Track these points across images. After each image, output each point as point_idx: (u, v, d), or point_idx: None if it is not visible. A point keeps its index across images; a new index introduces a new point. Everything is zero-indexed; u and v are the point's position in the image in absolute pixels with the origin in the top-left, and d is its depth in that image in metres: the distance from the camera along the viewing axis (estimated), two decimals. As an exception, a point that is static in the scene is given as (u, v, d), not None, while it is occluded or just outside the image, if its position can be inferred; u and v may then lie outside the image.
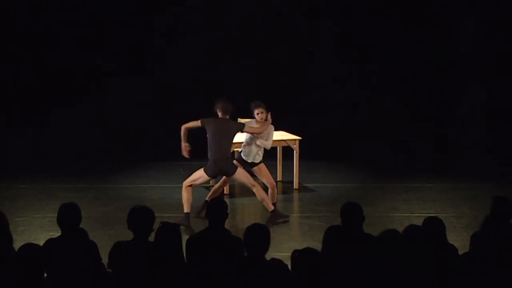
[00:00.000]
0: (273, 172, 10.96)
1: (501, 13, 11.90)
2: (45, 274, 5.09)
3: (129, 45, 12.19)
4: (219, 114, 8.63)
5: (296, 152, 10.27)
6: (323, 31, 12.23)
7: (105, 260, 5.48)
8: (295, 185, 10.34)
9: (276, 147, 10.64)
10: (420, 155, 12.08)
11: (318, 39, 12.24)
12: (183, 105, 11.76)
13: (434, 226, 5.31)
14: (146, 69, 12.29)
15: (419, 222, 5.55)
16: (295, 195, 10.18)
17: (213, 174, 8.68)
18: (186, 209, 8.50)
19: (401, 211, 9.23)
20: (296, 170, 10.30)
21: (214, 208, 5.65)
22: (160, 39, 12.25)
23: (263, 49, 12.13)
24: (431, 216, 5.44)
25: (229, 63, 12.04)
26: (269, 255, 5.14)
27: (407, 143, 12.16)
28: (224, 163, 8.54)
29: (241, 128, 8.64)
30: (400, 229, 5.37)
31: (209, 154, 8.55)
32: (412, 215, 8.92)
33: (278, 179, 10.79)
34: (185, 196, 8.53)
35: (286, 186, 10.51)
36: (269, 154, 10.94)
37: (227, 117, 8.64)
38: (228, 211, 5.75)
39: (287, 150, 10.47)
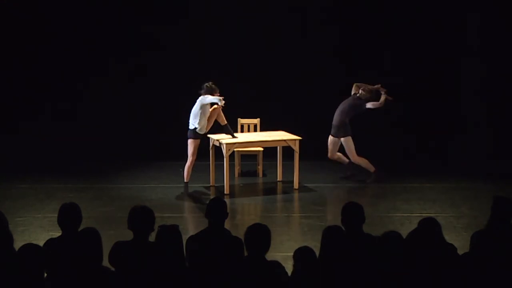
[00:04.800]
0: (273, 172, 10.98)
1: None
2: (45, 274, 5.09)
3: (128, 45, 12.19)
4: None
5: (296, 152, 10.26)
6: (324, 32, 12.24)
7: (105, 260, 5.47)
8: (295, 185, 10.33)
9: (276, 147, 10.64)
10: (420, 155, 12.07)
11: (319, 39, 12.24)
12: (183, 104, 11.75)
13: (430, 226, 5.29)
14: (146, 69, 12.28)
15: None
16: (295, 195, 10.17)
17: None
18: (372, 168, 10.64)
19: (401, 211, 9.23)
20: (296, 170, 10.30)
21: (214, 208, 5.64)
22: (159, 38, 12.24)
23: (264, 50, 12.13)
24: (425, 218, 5.42)
25: (229, 63, 12.03)
26: (269, 255, 5.14)
27: (407, 143, 12.15)
28: None
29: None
30: (400, 229, 5.36)
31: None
32: (412, 215, 8.92)
33: (278, 179, 10.80)
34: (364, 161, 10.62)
35: (286, 186, 10.51)
36: (269, 154, 10.96)
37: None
38: (228, 211, 5.74)
39: (287, 150, 10.46)
